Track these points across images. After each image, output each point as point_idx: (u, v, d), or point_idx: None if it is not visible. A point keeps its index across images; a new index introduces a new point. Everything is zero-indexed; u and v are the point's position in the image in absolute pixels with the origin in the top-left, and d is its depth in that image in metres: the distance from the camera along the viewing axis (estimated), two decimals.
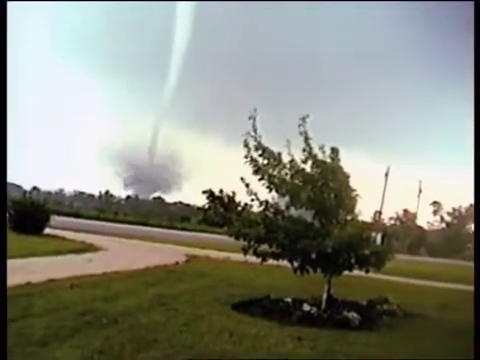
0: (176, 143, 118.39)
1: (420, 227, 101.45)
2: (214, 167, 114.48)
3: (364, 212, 13.90)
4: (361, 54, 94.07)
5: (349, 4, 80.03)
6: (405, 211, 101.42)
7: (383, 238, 13.74)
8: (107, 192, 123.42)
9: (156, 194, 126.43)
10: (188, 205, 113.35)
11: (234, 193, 12.80)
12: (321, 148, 12.77)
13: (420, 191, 62.70)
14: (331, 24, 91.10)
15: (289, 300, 13.08)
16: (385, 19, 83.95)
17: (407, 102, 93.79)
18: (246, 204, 13.33)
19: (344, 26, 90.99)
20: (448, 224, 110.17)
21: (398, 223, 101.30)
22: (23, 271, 14.65)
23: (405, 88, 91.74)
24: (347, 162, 13.34)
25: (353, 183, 13.19)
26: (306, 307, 12.27)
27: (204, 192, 13.06)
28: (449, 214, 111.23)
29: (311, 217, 12.66)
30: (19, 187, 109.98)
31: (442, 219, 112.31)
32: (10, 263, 15.98)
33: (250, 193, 12.60)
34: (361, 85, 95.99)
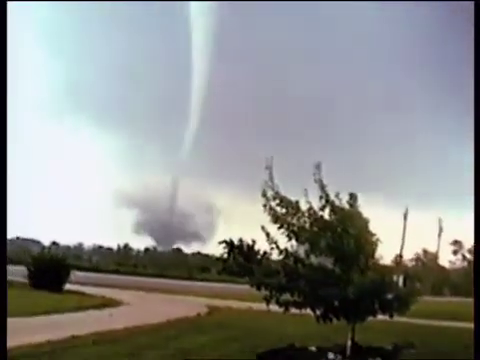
0: (194, 194, 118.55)
1: (442, 267, 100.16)
2: (233, 216, 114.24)
3: (384, 255, 13.80)
4: (376, 99, 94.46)
5: (362, 51, 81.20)
6: (425, 252, 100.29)
7: (405, 280, 13.57)
8: (126, 245, 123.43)
9: (175, 245, 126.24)
10: (207, 255, 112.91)
11: (254, 242, 12.73)
12: (337, 195, 12.78)
13: (440, 230, 61.99)
14: (345, 71, 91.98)
15: (314, 349, 12.90)
16: (398, 63, 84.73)
17: (424, 143, 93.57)
18: (265, 252, 13.29)
19: (358, 72, 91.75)
20: (470, 262, 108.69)
21: (419, 264, 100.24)
22: (46, 328, 14.66)
23: (421, 129, 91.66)
24: (365, 206, 13.33)
25: (372, 227, 13.16)
26: (331, 355, 12.10)
27: (223, 242, 13.03)
28: (470, 252, 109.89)
29: (331, 264, 12.59)
30: (38, 242, 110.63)
31: (464, 257, 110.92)
32: (32, 321, 16.15)
33: (270, 242, 12.60)
34: (376, 129, 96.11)
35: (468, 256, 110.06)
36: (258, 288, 12.44)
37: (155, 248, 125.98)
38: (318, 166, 12.67)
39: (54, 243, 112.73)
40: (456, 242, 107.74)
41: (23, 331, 13.30)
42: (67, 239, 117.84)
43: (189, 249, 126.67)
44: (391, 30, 78.46)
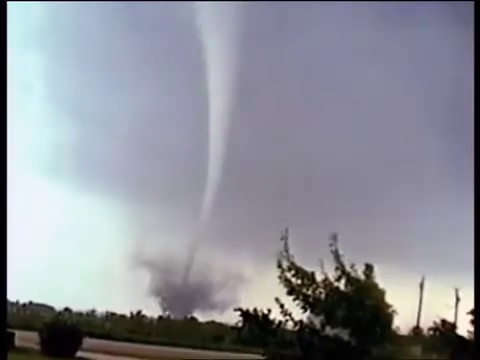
0: (208, 263, 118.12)
1: (461, 337, 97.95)
2: (248, 286, 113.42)
3: (401, 327, 13.65)
4: (389, 163, 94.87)
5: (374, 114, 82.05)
6: (443, 321, 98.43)
7: (423, 351, 13.40)
8: (139, 312, 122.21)
9: (190, 314, 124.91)
10: (221, 324, 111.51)
11: (269, 311, 12.69)
12: (352, 266, 12.74)
13: (458, 299, 61.06)
14: (358, 136, 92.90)
15: None
16: (412, 127, 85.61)
17: (438, 210, 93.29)
18: (280, 322, 13.19)
19: (372, 136, 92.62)
20: None
21: (437, 334, 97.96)
22: None
23: (434, 196, 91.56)
24: (381, 277, 13.26)
25: (388, 298, 13.07)
26: None
27: (238, 310, 12.92)
28: None
29: (348, 336, 12.46)
30: (51, 308, 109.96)
31: None
32: None
33: (285, 314, 12.52)
34: (389, 196, 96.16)
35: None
36: (273, 359, 12.32)
37: (169, 316, 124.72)
38: (334, 237, 12.69)
39: (66, 309, 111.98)
40: (474, 311, 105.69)
41: None
42: (80, 305, 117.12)
43: (203, 317, 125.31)
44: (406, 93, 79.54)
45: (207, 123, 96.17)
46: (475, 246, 7.47)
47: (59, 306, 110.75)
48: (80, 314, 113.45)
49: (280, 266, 12.72)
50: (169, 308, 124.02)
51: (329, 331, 12.49)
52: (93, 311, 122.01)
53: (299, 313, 12.62)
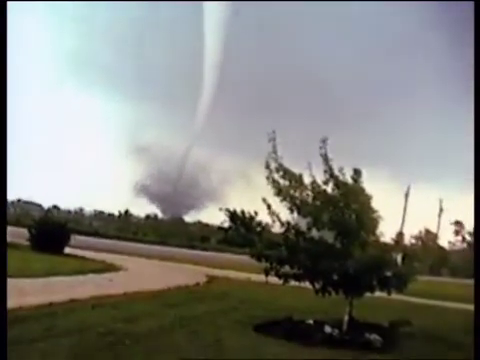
0: (198, 164, 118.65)
1: (441, 247, 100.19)
2: (236, 188, 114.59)
3: (385, 232, 13.81)
4: (379, 76, 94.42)
5: (367, 28, 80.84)
6: (427, 231, 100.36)
7: (403, 259, 13.59)
8: (126, 211, 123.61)
9: (177, 213, 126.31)
10: (207, 225, 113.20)
11: (256, 213, 12.75)
12: (341, 170, 12.75)
13: (441, 210, 61.91)
14: (350, 50, 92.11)
15: (311, 322, 13.00)
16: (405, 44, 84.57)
17: (427, 122, 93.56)
18: (267, 224, 13.30)
19: (362, 50, 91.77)
20: (470, 244, 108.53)
21: (419, 243, 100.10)
22: (46, 290, 14.76)
23: (426, 109, 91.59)
24: (368, 183, 13.30)
25: (375, 203, 13.17)
26: (328, 329, 12.19)
27: (225, 210, 12.95)
28: (471, 234, 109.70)
29: (333, 238, 12.62)
30: (39, 206, 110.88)
31: (464, 239, 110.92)
32: (33, 282, 16.23)
33: (272, 214, 12.61)
34: (380, 107, 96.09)
35: (468, 238, 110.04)
36: (258, 259, 12.50)
37: (156, 215, 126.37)
38: (324, 140, 12.63)
39: (55, 207, 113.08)
40: (457, 222, 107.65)
41: (23, 292, 13.39)
42: (68, 203, 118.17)
43: (190, 218, 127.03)
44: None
45: (202, 29, 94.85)
46: (475, 246, 7.46)
47: (47, 204, 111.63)
48: (68, 212, 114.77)
49: (268, 167, 12.71)
50: (158, 207, 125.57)
51: (315, 233, 12.63)
52: (81, 209, 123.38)
53: (286, 214, 12.73)
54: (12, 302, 10.60)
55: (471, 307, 9.08)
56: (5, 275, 6.63)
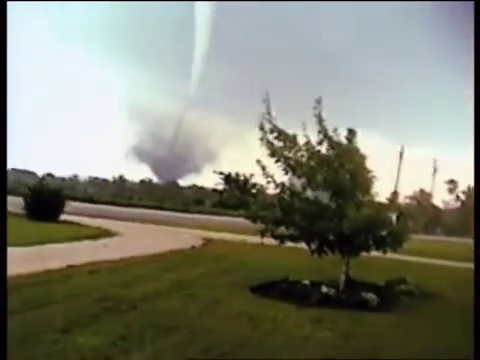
0: (193, 128, 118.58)
1: (436, 207, 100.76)
2: (230, 150, 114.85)
3: (380, 192, 13.81)
4: (374, 39, 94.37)
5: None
6: (422, 191, 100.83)
7: (398, 218, 13.61)
8: (121, 177, 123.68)
9: (173, 177, 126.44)
10: (202, 188, 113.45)
11: (251, 175, 12.74)
12: (335, 131, 12.68)
13: (435, 170, 62.08)
14: (344, 15, 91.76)
15: (307, 282, 13.04)
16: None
17: (421, 84, 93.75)
18: (261, 186, 13.29)
19: (357, 15, 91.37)
20: (463, 203, 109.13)
21: (414, 203, 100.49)
22: (42, 257, 14.76)
23: (418, 71, 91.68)
24: (362, 143, 13.26)
25: (369, 164, 13.13)
26: (324, 289, 12.24)
27: (220, 173, 12.90)
28: (464, 193, 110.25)
29: (327, 199, 12.60)
30: (33, 174, 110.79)
31: (458, 198, 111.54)
32: (28, 250, 16.21)
33: (266, 176, 12.57)
34: (374, 69, 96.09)
35: (462, 197, 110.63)
36: (253, 221, 12.51)
37: (150, 180, 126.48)
38: (319, 101, 12.53)
39: (49, 174, 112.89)
40: (451, 181, 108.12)
41: (19, 260, 13.38)
42: (62, 171, 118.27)
43: (185, 182, 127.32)
44: None
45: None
46: (475, 246, 7.36)
47: (41, 171, 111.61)
48: (63, 179, 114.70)
49: (262, 128, 12.62)
50: (153, 172, 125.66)
51: (309, 194, 12.61)
52: (75, 176, 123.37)
53: (281, 176, 12.69)
54: (8, 270, 10.61)
55: (463, 265, 9.09)
56: (5, 275, 6.60)
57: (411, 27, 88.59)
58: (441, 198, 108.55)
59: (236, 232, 32.36)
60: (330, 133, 12.64)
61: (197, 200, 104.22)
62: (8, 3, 6.92)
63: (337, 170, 12.58)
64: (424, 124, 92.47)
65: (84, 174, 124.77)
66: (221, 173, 14.54)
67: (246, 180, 12.19)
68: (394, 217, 13.51)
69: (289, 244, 13.08)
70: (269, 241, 13.24)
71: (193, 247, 22.62)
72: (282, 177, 12.67)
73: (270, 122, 12.55)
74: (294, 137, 12.57)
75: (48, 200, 31.98)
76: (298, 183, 12.63)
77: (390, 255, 13.75)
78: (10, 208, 32.15)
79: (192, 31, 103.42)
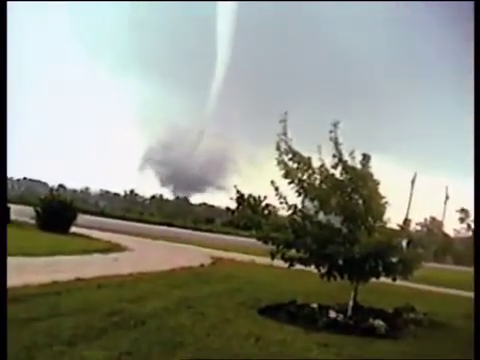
0: (207, 145, 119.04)
1: (446, 235, 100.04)
2: (244, 169, 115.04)
3: (392, 218, 13.75)
4: (390, 64, 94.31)
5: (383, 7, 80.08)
6: (433, 219, 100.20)
7: (408, 244, 13.54)
8: (132, 191, 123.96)
9: (187, 194, 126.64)
10: (213, 206, 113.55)
11: (265, 197, 12.74)
12: (351, 154, 12.67)
13: (447, 197, 61.84)
14: (364, 34, 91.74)
15: (315, 306, 12.97)
16: (415, 28, 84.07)
17: (434, 110, 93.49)
18: (274, 207, 13.28)
19: (376, 33, 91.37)
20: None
21: (424, 230, 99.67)
22: (51, 269, 14.79)
23: (432, 96, 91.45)
24: (376, 168, 13.24)
25: (382, 189, 13.10)
26: (332, 314, 12.16)
27: (236, 192, 12.91)
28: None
29: (339, 223, 12.57)
30: (45, 184, 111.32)
31: (469, 227, 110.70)
32: (38, 261, 16.27)
33: (279, 197, 12.57)
34: (390, 93, 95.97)
35: (473, 225, 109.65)
36: (265, 242, 12.47)
37: (161, 195, 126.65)
38: (335, 124, 12.53)
39: (61, 186, 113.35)
40: (463, 210, 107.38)
41: (29, 271, 13.42)
42: (74, 183, 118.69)
43: (195, 199, 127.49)
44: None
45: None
46: (475, 246, 7.34)
47: (53, 182, 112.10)
48: (74, 191, 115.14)
49: (278, 148, 12.64)
50: (164, 187, 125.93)
51: (322, 217, 12.59)
52: (87, 188, 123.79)
53: (293, 198, 12.67)
54: (17, 280, 10.65)
55: (473, 294, 9.04)
56: (5, 276, 6.61)
57: (433, 51, 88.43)
58: (452, 226, 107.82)
59: (245, 252, 32.33)
60: (345, 157, 12.63)
61: (207, 218, 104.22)
62: (8, 3, 7.00)
63: (350, 195, 12.57)
64: (438, 151, 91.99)
65: (96, 187, 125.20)
66: (236, 191, 14.63)
67: (259, 200, 12.16)
68: (404, 244, 13.45)
69: (298, 266, 13.03)
70: (278, 262, 13.19)
71: (202, 265, 22.60)
72: (295, 199, 12.66)
73: (286, 143, 12.57)
74: (309, 159, 12.58)
75: (59, 211, 32.08)
76: (311, 206, 12.62)
77: (399, 282, 13.68)
78: (21, 218, 32.31)
79: (213, 47, 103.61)
